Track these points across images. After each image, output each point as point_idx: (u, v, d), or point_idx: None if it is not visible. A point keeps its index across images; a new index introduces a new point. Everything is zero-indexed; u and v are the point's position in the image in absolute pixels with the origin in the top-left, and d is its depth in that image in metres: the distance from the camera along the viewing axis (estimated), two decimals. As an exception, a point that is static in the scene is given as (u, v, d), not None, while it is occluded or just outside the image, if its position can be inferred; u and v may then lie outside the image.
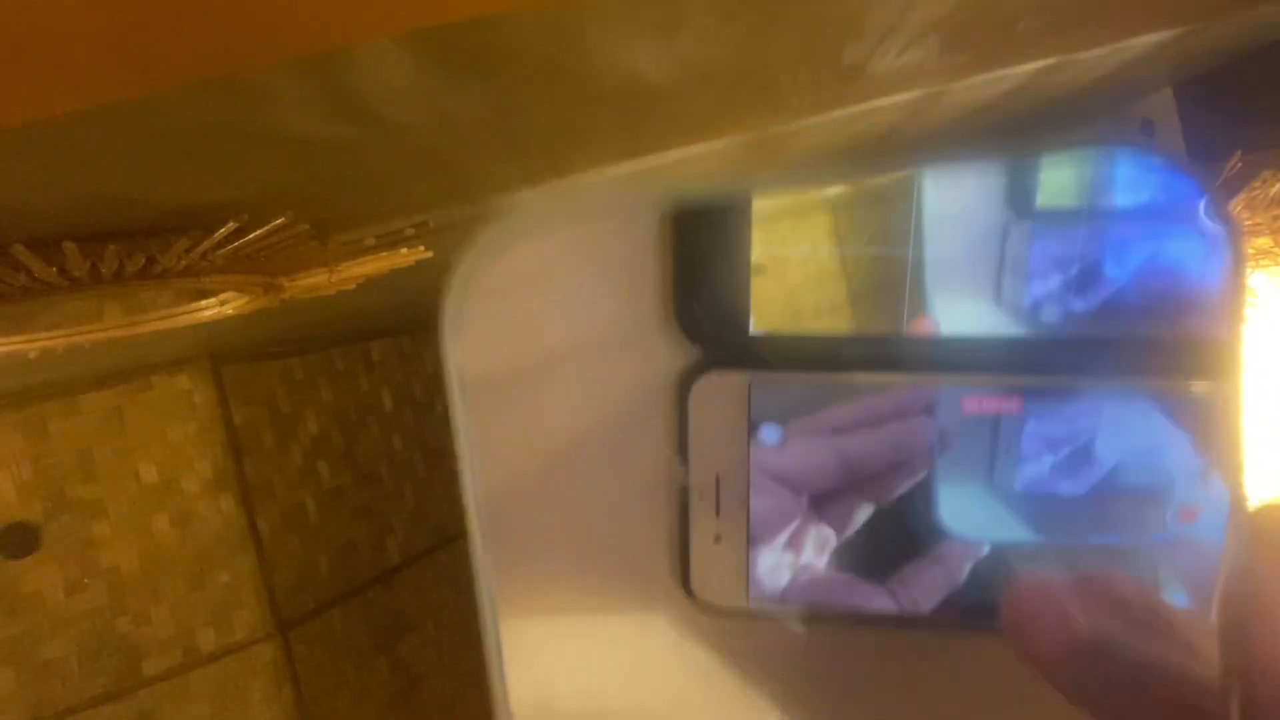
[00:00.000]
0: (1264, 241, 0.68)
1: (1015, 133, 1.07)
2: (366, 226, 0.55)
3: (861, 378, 0.17)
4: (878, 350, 0.17)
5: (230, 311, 0.57)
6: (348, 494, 1.58)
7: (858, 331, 0.17)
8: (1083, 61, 0.68)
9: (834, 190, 0.16)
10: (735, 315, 0.17)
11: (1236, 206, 0.71)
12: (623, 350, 0.18)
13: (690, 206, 0.17)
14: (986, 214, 0.16)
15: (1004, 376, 0.16)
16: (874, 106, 0.62)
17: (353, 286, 0.61)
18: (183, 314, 0.57)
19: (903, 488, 0.17)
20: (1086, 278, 0.16)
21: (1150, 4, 0.58)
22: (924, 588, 0.18)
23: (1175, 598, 0.17)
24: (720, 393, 0.17)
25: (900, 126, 0.75)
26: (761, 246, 0.16)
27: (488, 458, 0.17)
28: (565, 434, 0.19)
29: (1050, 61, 0.64)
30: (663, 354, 0.18)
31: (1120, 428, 0.16)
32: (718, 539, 0.18)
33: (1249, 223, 0.69)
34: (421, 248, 0.60)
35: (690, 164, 0.65)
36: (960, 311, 0.16)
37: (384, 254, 0.57)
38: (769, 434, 0.18)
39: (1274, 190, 0.68)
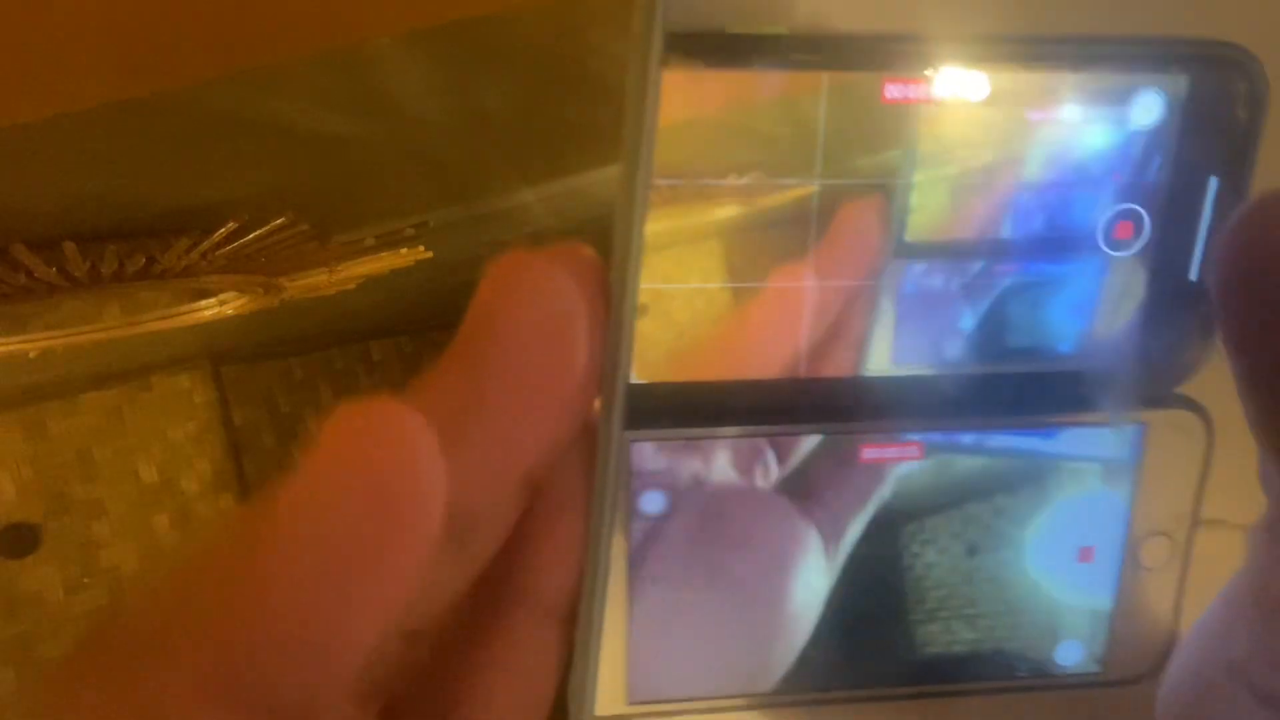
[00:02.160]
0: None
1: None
2: (366, 226, 0.55)
3: (758, 430, 0.15)
4: (772, 398, 0.14)
5: (230, 311, 0.57)
6: (348, 494, 1.57)
7: (755, 377, 0.15)
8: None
9: (725, 213, 0.14)
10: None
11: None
12: None
13: None
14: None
15: (904, 421, 0.15)
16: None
17: (353, 286, 0.61)
18: (183, 314, 0.57)
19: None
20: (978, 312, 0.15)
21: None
22: None
23: None
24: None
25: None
26: (646, 281, 0.13)
27: None
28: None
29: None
30: None
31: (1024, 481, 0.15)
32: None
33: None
34: (421, 248, 0.60)
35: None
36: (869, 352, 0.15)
37: (384, 254, 0.57)
38: (651, 503, 0.15)
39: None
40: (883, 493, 0.15)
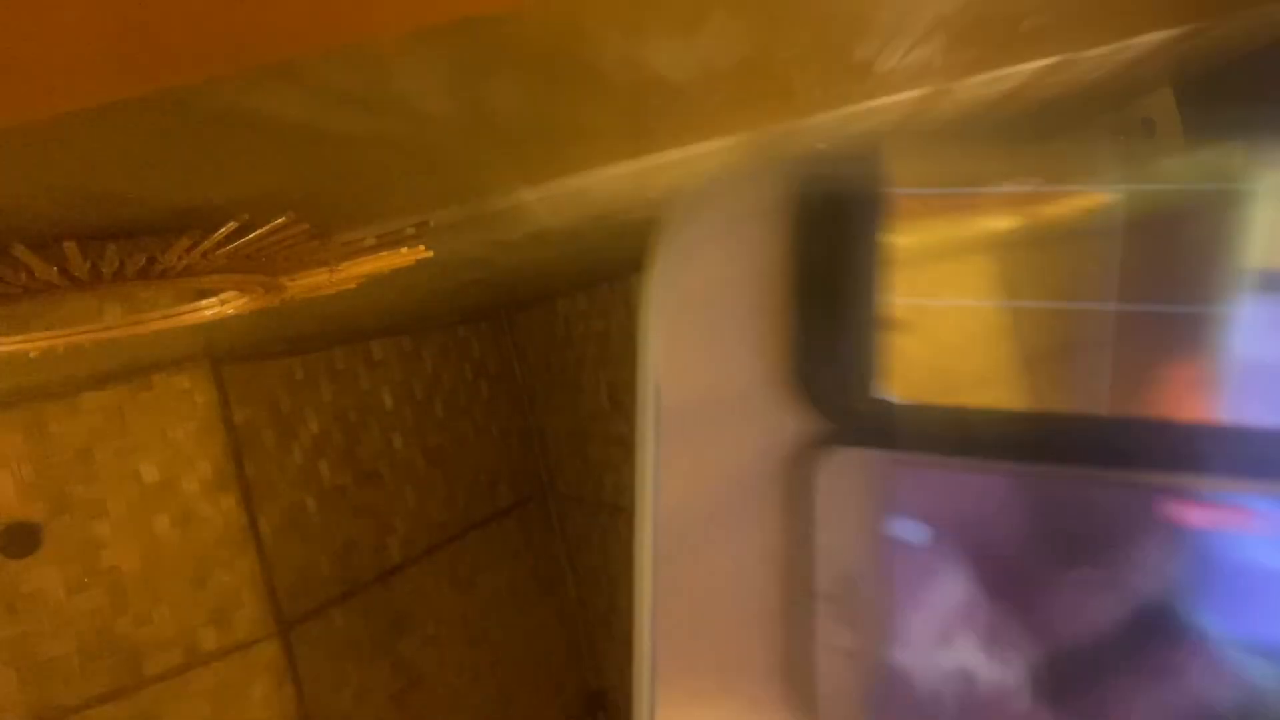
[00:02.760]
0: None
1: (1015, 131, 1.07)
2: (367, 226, 0.55)
3: (1040, 470, 0.11)
4: (1062, 435, 0.12)
5: (231, 311, 0.57)
6: (348, 494, 1.58)
7: (1033, 408, 0.11)
8: (1085, 61, 0.68)
9: (1003, 224, 0.12)
10: (869, 380, 0.11)
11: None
12: (736, 417, 0.12)
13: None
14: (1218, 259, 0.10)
15: (1238, 480, 0.11)
16: (880, 104, 0.61)
17: (353, 286, 0.61)
18: (183, 314, 0.57)
19: (1091, 614, 0.12)
20: None
21: (1151, 4, 0.58)
22: None
23: None
24: (852, 475, 0.12)
25: (903, 126, 0.74)
26: (905, 294, 0.11)
27: None
28: (673, 512, 0.14)
29: (1053, 60, 0.64)
30: (783, 423, 0.13)
31: None
32: (849, 655, 0.13)
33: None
34: (421, 248, 0.60)
35: (695, 162, 0.65)
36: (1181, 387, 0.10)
37: (384, 254, 0.57)
38: (914, 531, 0.13)
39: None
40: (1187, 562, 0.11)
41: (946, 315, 0.12)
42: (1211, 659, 0.11)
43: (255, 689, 1.28)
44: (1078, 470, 0.11)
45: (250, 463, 1.33)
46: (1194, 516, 0.11)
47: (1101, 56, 0.68)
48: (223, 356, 1.31)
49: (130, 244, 0.40)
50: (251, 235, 0.43)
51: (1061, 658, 0.12)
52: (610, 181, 0.64)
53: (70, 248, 0.37)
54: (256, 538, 1.31)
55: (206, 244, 0.42)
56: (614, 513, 1.82)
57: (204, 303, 0.57)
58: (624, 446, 1.70)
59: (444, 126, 0.39)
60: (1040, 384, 0.12)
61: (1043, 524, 0.11)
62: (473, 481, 1.85)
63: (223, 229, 0.41)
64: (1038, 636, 0.11)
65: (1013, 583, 0.12)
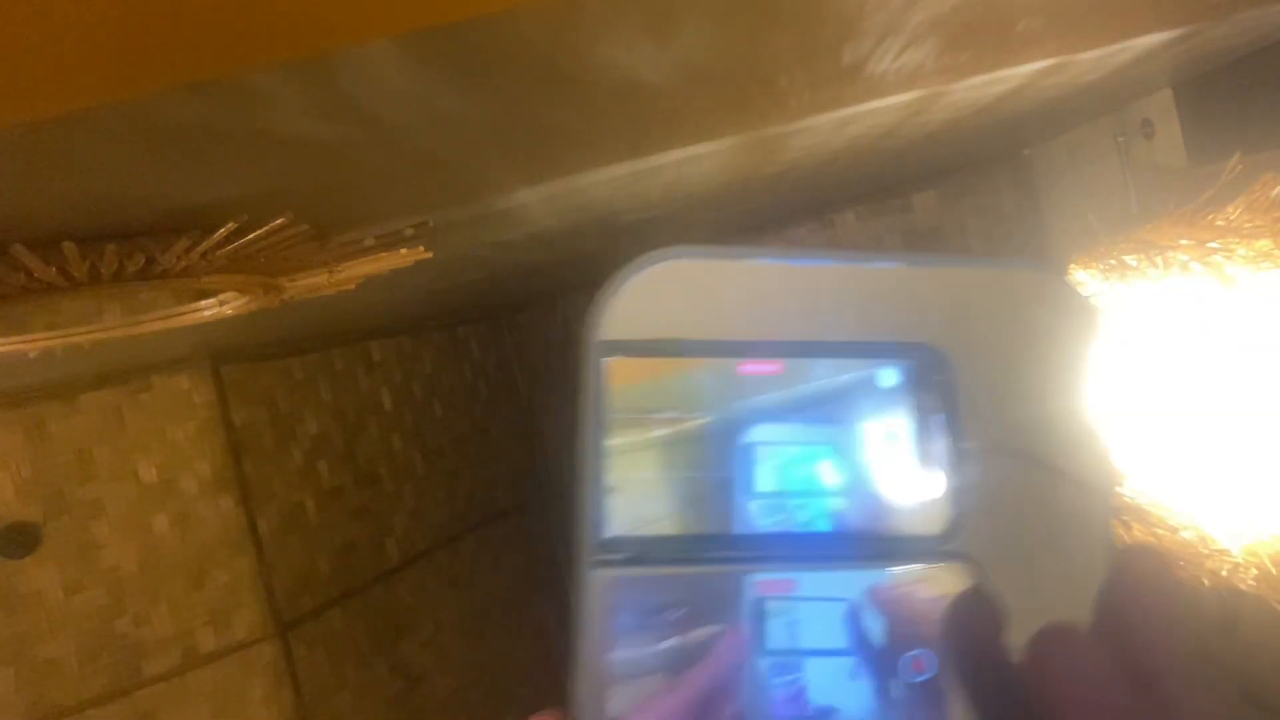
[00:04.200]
0: (1265, 244, 0.68)
1: (1016, 133, 1.07)
2: (366, 226, 0.55)
3: (689, 569, 0.21)
4: (702, 544, 0.21)
5: (230, 312, 0.57)
6: (348, 494, 1.58)
7: (684, 531, 0.21)
8: (1082, 62, 0.68)
9: (658, 432, 0.21)
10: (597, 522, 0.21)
11: (1237, 209, 0.71)
12: None
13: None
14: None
15: (774, 564, 0.21)
16: (873, 108, 0.62)
17: (353, 286, 0.61)
18: (182, 314, 0.57)
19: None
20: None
21: (1150, 5, 0.58)
22: None
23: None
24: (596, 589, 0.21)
25: (898, 128, 0.75)
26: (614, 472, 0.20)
27: None
28: None
29: (1050, 63, 0.64)
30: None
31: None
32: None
33: (1250, 225, 0.69)
34: (421, 248, 0.60)
35: (690, 164, 0.65)
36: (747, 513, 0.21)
37: (384, 254, 0.57)
38: (623, 620, 0.21)
39: (1275, 193, 0.68)
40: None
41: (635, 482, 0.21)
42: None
43: (254, 690, 1.28)
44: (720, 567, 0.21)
45: (249, 463, 1.33)
46: (769, 588, 0.20)
47: (1099, 58, 0.68)
48: (222, 357, 1.31)
49: (129, 244, 0.41)
50: (250, 236, 0.43)
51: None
52: (607, 183, 0.65)
53: (69, 248, 0.37)
54: (255, 538, 1.31)
55: (205, 245, 0.42)
56: (613, 513, 1.82)
57: (203, 303, 0.57)
58: (623, 447, 1.70)
59: (439, 130, 0.39)
60: (686, 519, 0.22)
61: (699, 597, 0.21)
62: (472, 482, 1.85)
63: (222, 230, 0.41)
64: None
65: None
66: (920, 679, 0.20)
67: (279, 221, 0.43)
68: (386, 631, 1.55)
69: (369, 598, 1.52)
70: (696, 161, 0.65)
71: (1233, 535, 0.70)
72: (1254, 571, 0.68)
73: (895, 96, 0.59)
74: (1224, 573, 0.70)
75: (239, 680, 1.26)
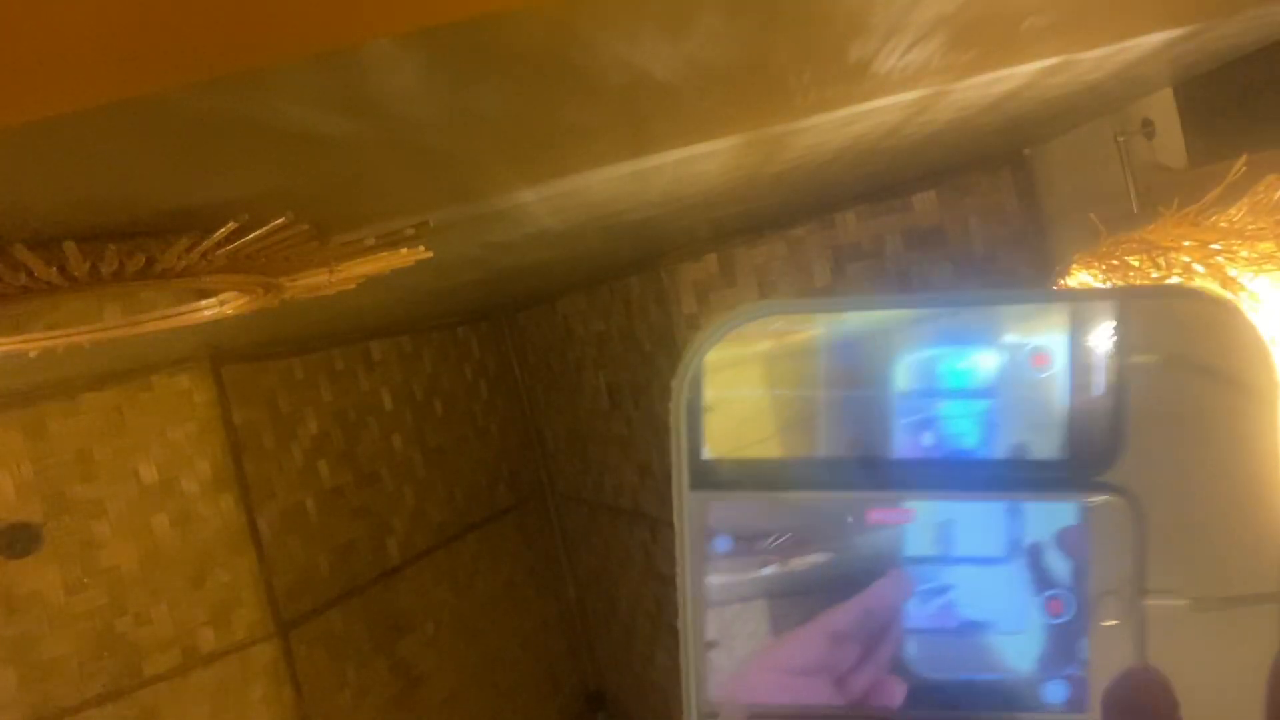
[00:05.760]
0: (1267, 246, 0.68)
1: (1017, 132, 1.07)
2: (367, 226, 0.55)
3: (799, 495, 0.20)
4: (810, 470, 0.20)
5: (230, 312, 0.57)
6: (348, 494, 1.58)
7: (788, 456, 0.20)
8: (1085, 61, 0.68)
9: (764, 345, 0.20)
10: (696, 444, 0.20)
11: (1240, 211, 0.71)
12: None
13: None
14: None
15: (905, 492, 0.20)
16: (877, 106, 0.61)
17: (353, 286, 0.61)
18: (183, 314, 0.57)
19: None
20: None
21: (1152, 5, 0.58)
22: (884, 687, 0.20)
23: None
24: (692, 511, 0.20)
25: (901, 127, 0.74)
26: (711, 390, 0.20)
27: None
28: None
29: (1053, 61, 0.64)
30: None
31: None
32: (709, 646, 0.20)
33: (1253, 227, 0.69)
34: (421, 248, 0.60)
35: (692, 164, 0.65)
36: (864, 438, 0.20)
37: (384, 254, 0.57)
38: (721, 544, 0.20)
39: (1278, 195, 0.68)
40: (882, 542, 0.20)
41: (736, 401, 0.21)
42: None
43: (254, 689, 1.28)
44: (830, 494, 0.20)
45: (249, 463, 1.33)
46: (885, 517, 0.20)
47: (1102, 57, 0.68)
48: (222, 357, 1.31)
49: (130, 244, 0.40)
50: (251, 236, 0.43)
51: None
52: (609, 182, 0.64)
53: (70, 248, 0.37)
54: (256, 538, 1.31)
55: (206, 244, 0.42)
56: (613, 513, 1.82)
57: (203, 303, 0.57)
58: (623, 446, 1.70)
59: (443, 127, 0.39)
60: (789, 441, 0.21)
61: (810, 531, 0.20)
62: (472, 482, 1.85)
63: (222, 229, 0.41)
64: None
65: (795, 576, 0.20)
66: (1057, 621, 0.19)
67: (279, 221, 0.43)
68: (386, 631, 1.55)
69: (369, 597, 1.52)
70: (698, 161, 0.64)
71: None
72: None
73: (900, 95, 0.59)
74: None
75: (239, 679, 1.26)
